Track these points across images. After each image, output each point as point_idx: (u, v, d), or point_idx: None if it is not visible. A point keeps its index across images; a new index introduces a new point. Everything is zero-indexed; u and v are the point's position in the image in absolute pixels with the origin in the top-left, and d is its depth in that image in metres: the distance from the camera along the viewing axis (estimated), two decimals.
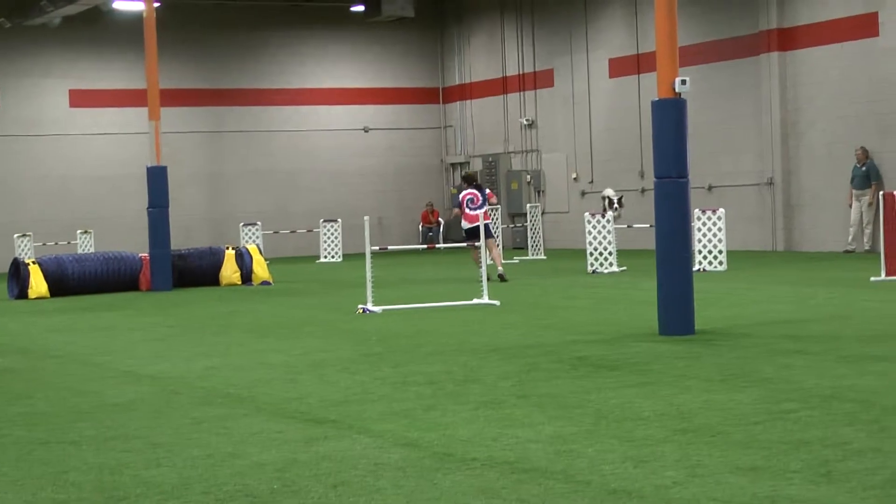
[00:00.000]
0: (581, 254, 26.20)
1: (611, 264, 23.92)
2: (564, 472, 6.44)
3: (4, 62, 39.85)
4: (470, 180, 23.57)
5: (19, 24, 38.32)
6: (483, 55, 43.40)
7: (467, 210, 22.51)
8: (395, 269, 27.78)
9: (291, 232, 38.64)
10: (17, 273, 23.99)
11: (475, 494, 6.02)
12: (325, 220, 36.42)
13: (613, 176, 34.89)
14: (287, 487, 6.27)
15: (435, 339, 13.34)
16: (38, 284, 23.60)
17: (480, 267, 18.85)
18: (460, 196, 23.00)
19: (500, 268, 22.62)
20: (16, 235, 35.17)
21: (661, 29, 13.14)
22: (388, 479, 6.40)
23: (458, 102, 45.06)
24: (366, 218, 17.57)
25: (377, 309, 16.75)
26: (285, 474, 6.58)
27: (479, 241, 19.64)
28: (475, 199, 22.62)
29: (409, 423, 8.06)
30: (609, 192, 26.38)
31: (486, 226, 22.04)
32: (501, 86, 42.44)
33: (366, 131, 44.81)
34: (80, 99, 40.88)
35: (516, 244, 37.56)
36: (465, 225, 22.49)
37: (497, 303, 17.22)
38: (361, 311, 16.80)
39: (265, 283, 25.06)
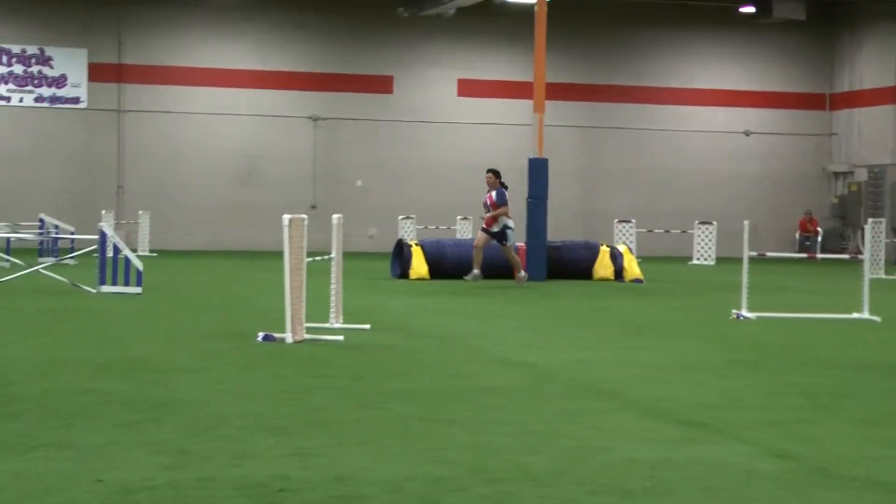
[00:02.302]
0: None
1: None
2: None
3: (398, 51, 41.46)
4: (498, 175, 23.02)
5: (415, 14, 39.75)
6: (876, 62, 41.78)
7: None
8: (770, 276, 27.17)
9: (665, 231, 38.41)
10: (401, 253, 24.96)
11: None
12: (700, 222, 36.01)
13: None
14: (659, 487, 6.25)
15: (810, 351, 12.98)
16: (419, 266, 24.47)
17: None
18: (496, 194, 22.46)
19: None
20: (399, 217, 36.56)
21: None
22: (761, 488, 6.27)
23: (845, 110, 43.62)
24: (745, 222, 17.27)
25: (752, 315, 16.45)
26: (657, 473, 6.56)
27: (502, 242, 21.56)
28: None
29: (782, 434, 7.87)
30: None
31: (495, 231, 22.32)
32: (893, 95, 40.75)
33: (747, 135, 44.03)
34: (468, 88, 42.03)
35: None
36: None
37: (878, 319, 16.57)
38: (735, 316, 16.55)
39: (637, 280, 25.05)
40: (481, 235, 22.51)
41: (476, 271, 22.24)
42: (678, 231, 38.03)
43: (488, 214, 22.39)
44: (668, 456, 7.05)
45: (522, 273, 22.60)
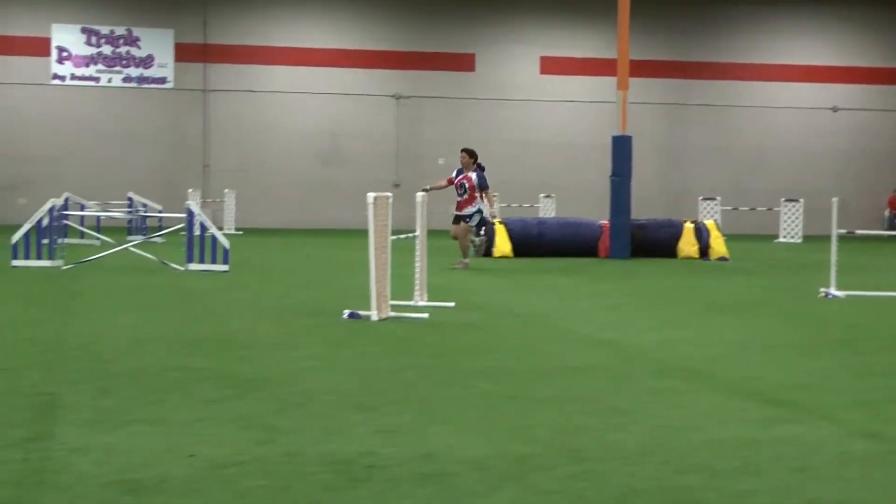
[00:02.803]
0: None
1: None
2: None
3: (479, 29, 41.41)
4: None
5: None
6: None
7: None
8: (859, 255, 26.82)
9: (750, 209, 38.05)
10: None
11: None
12: (786, 200, 35.60)
13: None
14: (747, 466, 6.21)
15: None
16: (502, 244, 24.49)
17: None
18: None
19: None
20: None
21: None
22: (855, 469, 6.21)
23: None
24: (834, 200, 17.06)
25: (840, 294, 16.26)
26: (745, 453, 6.52)
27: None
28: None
29: (874, 415, 7.78)
30: None
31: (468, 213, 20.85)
32: None
33: (834, 111, 43.43)
34: (550, 66, 41.89)
35: None
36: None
37: None
38: (824, 294, 16.36)
39: (722, 258, 24.86)
40: (463, 225, 20.76)
41: (467, 260, 20.89)
42: (764, 209, 37.65)
43: (480, 201, 20.60)
44: (755, 436, 7.00)
45: (467, 261, 20.85)
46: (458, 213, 20.78)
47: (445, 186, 20.97)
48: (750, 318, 13.77)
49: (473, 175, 20.48)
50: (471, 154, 20.63)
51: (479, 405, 7.82)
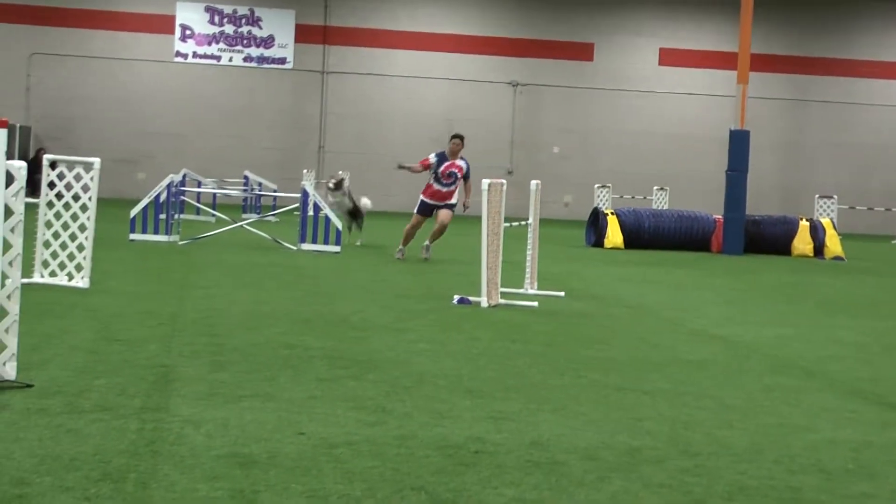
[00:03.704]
0: None
1: None
2: None
3: (599, 18, 41.18)
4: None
5: None
6: None
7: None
8: None
9: (868, 209, 37.37)
10: (596, 222, 24.87)
11: None
12: None
13: None
14: (862, 469, 6.10)
15: None
16: (614, 235, 24.35)
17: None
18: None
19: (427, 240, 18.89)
20: (596, 185, 36.38)
21: None
22: None
23: None
24: None
25: None
26: (860, 455, 6.40)
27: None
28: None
29: None
30: None
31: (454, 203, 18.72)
32: None
33: None
34: (670, 58, 41.52)
35: None
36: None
37: None
38: None
39: (838, 258, 24.46)
40: (445, 212, 18.81)
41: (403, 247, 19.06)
42: (882, 209, 36.94)
43: (454, 191, 18.79)
44: (870, 438, 6.88)
45: (404, 249, 19.03)
46: (443, 202, 18.75)
47: (420, 171, 19.15)
48: (867, 319, 13.52)
49: (464, 164, 18.76)
50: (462, 141, 19.07)
51: (590, 395, 7.79)
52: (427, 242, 18.94)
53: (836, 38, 42.20)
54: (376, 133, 41.13)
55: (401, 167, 19.17)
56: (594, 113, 41.45)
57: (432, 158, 18.89)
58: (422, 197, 18.94)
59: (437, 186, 18.72)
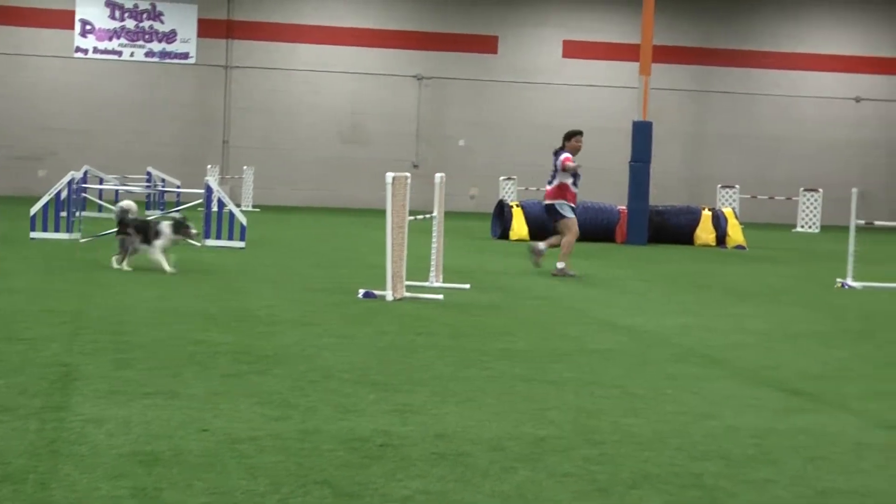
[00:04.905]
0: None
1: None
2: None
3: (503, 11, 41.30)
4: (564, 139, 17.51)
5: None
6: None
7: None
8: (880, 246, 26.71)
9: (769, 198, 37.93)
10: (501, 214, 24.96)
11: None
12: (805, 189, 35.50)
13: None
14: (763, 455, 6.18)
15: None
16: (519, 227, 24.47)
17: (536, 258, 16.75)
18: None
19: (559, 262, 16.85)
20: (501, 178, 36.51)
21: None
22: (871, 460, 6.18)
23: None
24: (854, 190, 16.99)
25: (857, 285, 16.19)
26: (761, 441, 6.49)
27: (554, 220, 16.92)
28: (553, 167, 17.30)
29: (892, 406, 7.74)
30: None
31: (553, 205, 17.13)
32: None
33: (857, 101, 43.22)
34: (574, 50, 41.77)
35: None
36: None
37: None
38: (840, 285, 16.30)
39: (739, 247, 24.80)
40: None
41: (558, 264, 17.06)
42: (783, 198, 37.52)
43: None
44: (772, 425, 6.98)
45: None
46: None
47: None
48: (768, 307, 13.73)
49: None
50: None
51: (495, 386, 7.81)
52: (544, 246, 17.36)
53: (737, 29, 42.74)
54: (281, 127, 40.89)
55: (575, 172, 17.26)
56: (499, 105, 41.59)
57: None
58: (569, 203, 17.15)
59: (573, 189, 17.26)
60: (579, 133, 17.63)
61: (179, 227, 14.67)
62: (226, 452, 5.73)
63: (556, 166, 17.05)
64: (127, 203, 15.06)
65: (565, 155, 17.04)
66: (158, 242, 14.56)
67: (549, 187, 17.23)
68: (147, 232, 14.66)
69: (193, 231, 15.00)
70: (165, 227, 14.63)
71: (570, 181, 17.03)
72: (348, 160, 40.80)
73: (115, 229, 15.28)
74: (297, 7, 40.75)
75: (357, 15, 40.98)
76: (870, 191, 41.01)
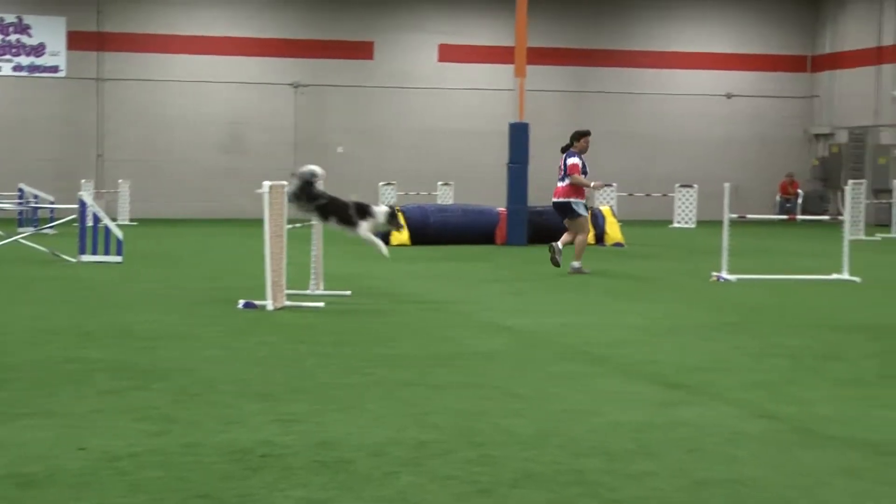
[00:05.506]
0: None
1: None
2: None
3: (377, 16, 41.30)
4: (572, 139, 18.40)
5: None
6: (858, 24, 41.83)
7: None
8: (752, 239, 27.24)
9: (646, 195, 38.47)
10: None
11: (836, 473, 5.85)
12: (680, 185, 36.07)
13: None
14: (643, 449, 6.27)
15: (793, 312, 13.03)
16: (400, 232, 24.43)
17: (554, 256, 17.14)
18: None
19: (575, 261, 17.69)
20: (381, 183, 36.50)
21: None
22: (747, 449, 6.30)
23: (826, 72, 43.67)
24: (726, 185, 17.30)
25: (732, 278, 16.49)
26: (641, 436, 6.58)
27: (567, 218, 17.47)
28: (561, 167, 18.03)
29: (768, 395, 7.89)
30: None
31: (569, 203, 17.81)
32: (875, 56, 40.81)
33: (728, 98, 44.03)
34: (450, 54, 41.92)
35: (879, 221, 35.98)
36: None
37: (858, 279, 16.63)
38: (716, 278, 16.58)
39: (618, 244, 25.09)
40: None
41: (574, 263, 17.80)
42: (659, 195, 38.07)
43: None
44: (652, 419, 7.07)
45: None
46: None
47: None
48: (647, 303, 13.90)
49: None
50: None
51: (377, 392, 7.80)
52: (560, 245, 17.83)
53: (612, 29, 43.25)
54: (159, 139, 40.41)
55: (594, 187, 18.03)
56: (377, 111, 41.58)
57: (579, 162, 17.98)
58: (584, 201, 18.06)
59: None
60: (587, 133, 18.58)
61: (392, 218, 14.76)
62: (104, 470, 5.64)
63: (565, 164, 17.83)
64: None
65: (573, 162, 17.91)
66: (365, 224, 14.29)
67: (560, 185, 17.83)
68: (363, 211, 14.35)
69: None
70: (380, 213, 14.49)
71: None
72: (228, 171, 40.45)
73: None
74: (170, 17, 40.32)
75: (232, 24, 40.67)
76: (742, 185, 41.78)
